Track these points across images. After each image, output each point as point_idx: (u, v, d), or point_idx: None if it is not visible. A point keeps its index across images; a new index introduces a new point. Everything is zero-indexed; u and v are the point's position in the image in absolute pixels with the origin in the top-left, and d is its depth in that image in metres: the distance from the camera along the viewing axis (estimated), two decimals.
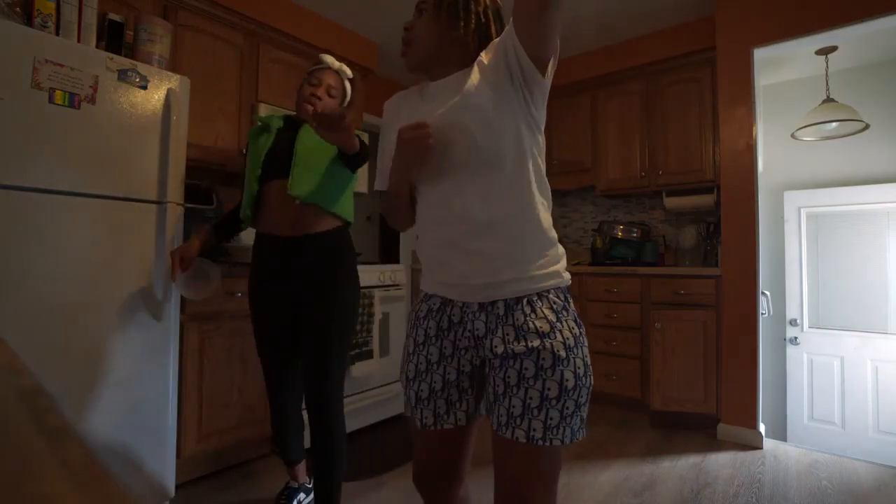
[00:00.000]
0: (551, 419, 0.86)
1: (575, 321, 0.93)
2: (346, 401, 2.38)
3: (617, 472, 2.15)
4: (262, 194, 1.62)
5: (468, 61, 0.97)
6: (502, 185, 0.90)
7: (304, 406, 1.66)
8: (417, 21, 0.99)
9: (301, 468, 1.83)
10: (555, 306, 0.91)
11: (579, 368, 0.88)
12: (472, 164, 0.91)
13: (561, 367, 0.87)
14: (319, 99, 1.63)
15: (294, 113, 1.76)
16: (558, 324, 0.90)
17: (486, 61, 0.92)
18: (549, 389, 0.86)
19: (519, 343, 0.89)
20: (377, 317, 2.58)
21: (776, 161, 3.60)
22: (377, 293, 2.59)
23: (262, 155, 1.61)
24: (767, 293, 2.84)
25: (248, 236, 2.64)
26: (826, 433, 3.26)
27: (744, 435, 2.49)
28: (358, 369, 2.44)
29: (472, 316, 0.95)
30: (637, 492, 1.97)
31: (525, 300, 0.91)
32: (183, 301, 1.91)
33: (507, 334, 0.90)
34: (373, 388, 2.61)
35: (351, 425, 2.47)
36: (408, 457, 2.26)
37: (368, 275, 2.56)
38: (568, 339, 0.89)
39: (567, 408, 0.87)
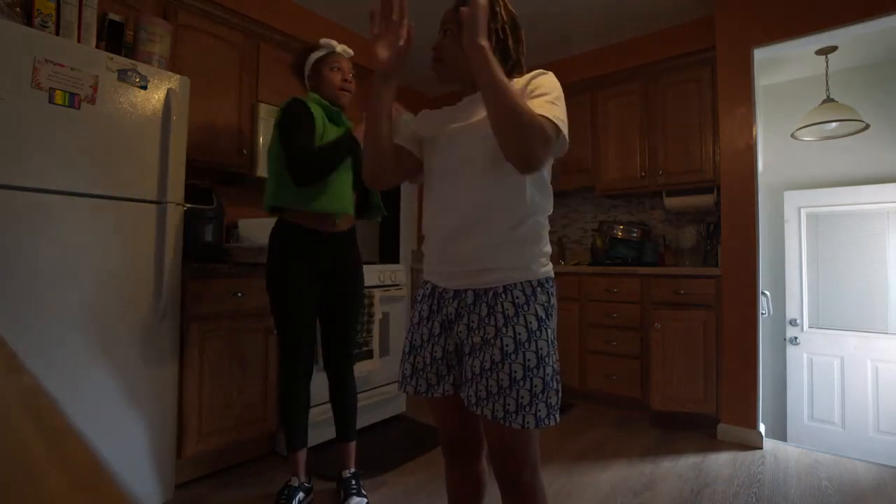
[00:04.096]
0: (508, 405, 0.96)
1: (535, 315, 0.99)
2: None
3: (617, 472, 2.15)
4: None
5: None
6: (497, 190, 1.01)
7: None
8: (444, 41, 1.08)
9: (302, 460, 1.84)
10: (517, 301, 0.99)
11: (529, 361, 0.96)
12: (473, 171, 1.02)
13: (509, 362, 0.96)
14: (350, 82, 1.80)
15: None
16: (514, 318, 0.98)
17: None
18: (502, 380, 0.96)
19: (477, 334, 1.01)
20: (377, 317, 2.58)
21: (776, 161, 3.60)
22: (377, 293, 2.59)
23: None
24: (767, 293, 2.84)
25: (248, 237, 2.64)
26: (826, 433, 3.26)
27: (744, 435, 2.49)
28: (358, 369, 2.43)
29: (447, 301, 1.07)
30: (637, 492, 1.97)
31: (491, 293, 1.01)
32: (183, 301, 1.91)
33: (472, 322, 1.02)
34: (373, 388, 2.61)
35: None
36: (408, 456, 2.26)
37: (368, 275, 2.55)
38: (520, 334, 0.97)
39: (522, 397, 0.96)
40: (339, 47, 1.80)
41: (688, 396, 2.67)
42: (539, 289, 1.02)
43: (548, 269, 1.06)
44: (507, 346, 0.97)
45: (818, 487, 2.01)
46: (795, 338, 3.44)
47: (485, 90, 0.90)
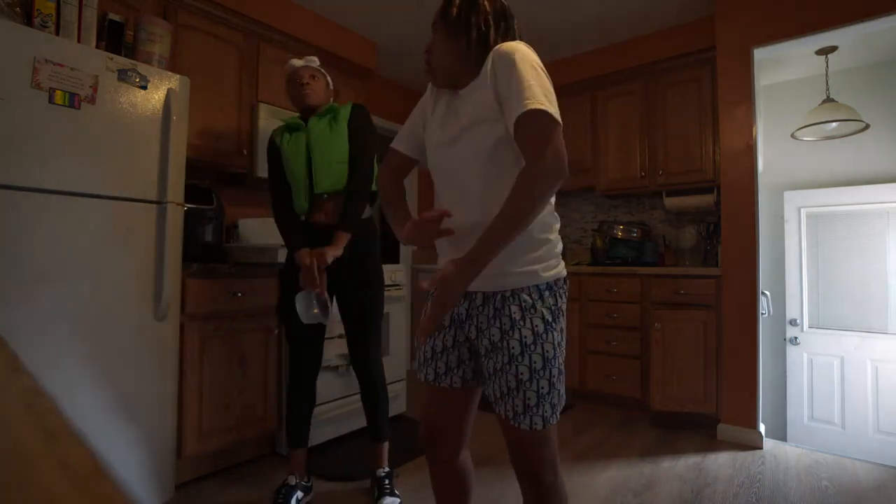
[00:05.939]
0: (517, 406, 0.99)
1: (542, 318, 1.00)
2: (346, 401, 2.41)
3: (617, 472, 2.15)
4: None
5: (477, 70, 1.03)
6: (500, 193, 0.93)
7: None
8: (433, 42, 1.07)
9: (300, 458, 1.85)
10: (523, 304, 1.00)
11: (535, 364, 0.98)
12: (476, 176, 1.01)
13: (515, 364, 0.99)
14: (308, 84, 1.82)
15: (297, 115, 1.92)
16: (520, 322, 0.99)
17: (488, 94, 0.97)
18: (510, 382, 0.99)
19: (485, 337, 1.03)
20: None
21: (776, 161, 3.60)
22: None
23: (305, 153, 1.78)
24: (767, 293, 2.84)
25: (248, 237, 2.64)
26: (826, 433, 3.26)
27: (744, 435, 2.49)
28: None
29: (458, 300, 1.02)
30: (637, 492, 1.97)
31: (499, 296, 1.02)
32: (183, 301, 1.91)
33: (480, 323, 1.04)
34: None
35: (352, 425, 2.46)
36: (408, 456, 2.26)
37: None
38: (526, 337, 0.98)
39: (529, 398, 0.98)
40: (299, 62, 1.87)
41: (688, 396, 2.67)
42: (547, 292, 1.02)
43: (558, 270, 1.05)
44: (513, 348, 0.98)
45: (818, 487, 2.01)
46: (795, 338, 3.44)
47: (503, 245, 0.90)
